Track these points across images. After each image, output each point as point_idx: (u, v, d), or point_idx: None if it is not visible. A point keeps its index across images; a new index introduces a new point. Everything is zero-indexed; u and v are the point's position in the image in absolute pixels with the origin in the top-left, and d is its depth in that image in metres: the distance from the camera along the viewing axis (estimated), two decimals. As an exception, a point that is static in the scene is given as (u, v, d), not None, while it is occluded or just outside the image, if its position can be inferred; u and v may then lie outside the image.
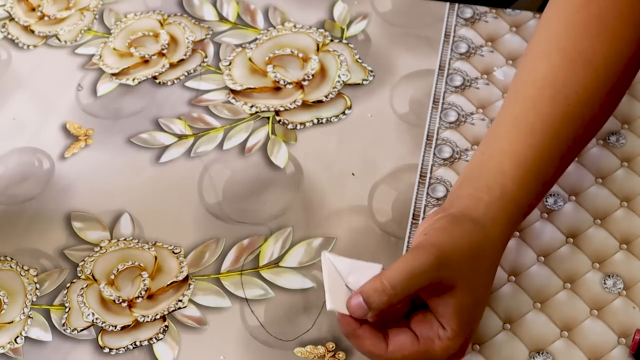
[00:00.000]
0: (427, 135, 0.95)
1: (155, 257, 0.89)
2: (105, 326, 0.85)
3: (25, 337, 0.85)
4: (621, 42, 0.84)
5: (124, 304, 0.86)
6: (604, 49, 0.83)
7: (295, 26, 1.05)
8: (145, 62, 1.02)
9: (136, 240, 0.90)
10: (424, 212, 0.90)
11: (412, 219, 0.90)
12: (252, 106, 0.98)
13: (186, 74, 1.01)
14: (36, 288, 0.87)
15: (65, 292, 0.87)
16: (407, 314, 0.78)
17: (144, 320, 0.85)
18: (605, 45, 0.83)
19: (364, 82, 1.00)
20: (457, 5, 1.05)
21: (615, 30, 0.84)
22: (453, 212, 0.78)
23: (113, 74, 1.01)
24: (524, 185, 0.80)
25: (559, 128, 0.82)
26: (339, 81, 1.00)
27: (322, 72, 1.01)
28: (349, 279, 0.77)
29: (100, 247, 0.90)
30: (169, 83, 1.00)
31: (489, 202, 0.79)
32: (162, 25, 1.05)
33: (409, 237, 0.89)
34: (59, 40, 1.04)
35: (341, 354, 0.83)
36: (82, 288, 0.87)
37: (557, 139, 0.82)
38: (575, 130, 0.83)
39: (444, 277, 0.74)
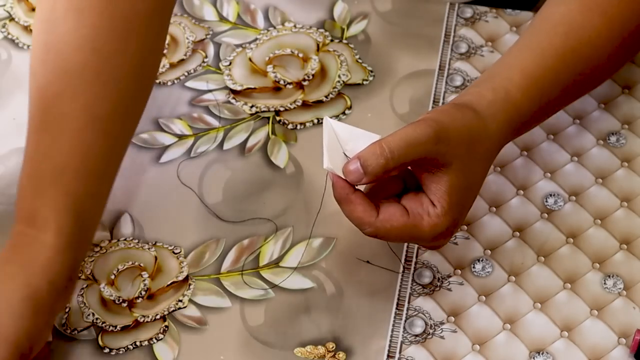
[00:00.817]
0: None
1: (156, 257, 0.89)
2: (105, 326, 0.85)
3: (25, 337, 0.85)
4: (636, 2, 0.86)
5: (124, 304, 0.86)
6: (621, 4, 0.86)
7: (295, 26, 1.05)
8: (145, 62, 1.02)
9: (136, 241, 0.90)
10: (424, 212, 0.90)
11: (412, 219, 0.90)
12: (252, 106, 0.98)
13: (186, 74, 1.01)
14: (36, 288, 0.87)
15: (65, 292, 0.87)
16: (399, 195, 0.79)
17: (144, 321, 0.85)
18: (623, 3, 0.86)
19: (364, 82, 1.00)
20: (457, 5, 1.05)
21: None
22: (457, 101, 0.81)
23: (113, 74, 1.01)
24: (527, 95, 0.82)
25: (568, 59, 0.84)
26: (339, 81, 1.00)
27: (322, 72, 1.01)
28: (347, 145, 0.77)
29: (100, 247, 0.90)
30: (169, 83, 1.00)
31: (492, 100, 0.81)
32: (162, 25, 1.05)
33: (409, 237, 0.89)
34: (59, 40, 1.04)
35: (341, 354, 0.83)
36: (82, 288, 0.87)
37: (565, 68, 0.84)
38: (583, 68, 0.85)
39: (441, 152, 0.76)
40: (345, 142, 0.78)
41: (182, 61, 1.02)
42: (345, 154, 0.78)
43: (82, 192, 0.79)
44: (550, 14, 0.87)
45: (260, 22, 1.05)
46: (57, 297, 0.77)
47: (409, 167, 0.79)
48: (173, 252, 0.89)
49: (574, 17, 0.86)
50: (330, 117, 0.97)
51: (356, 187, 0.77)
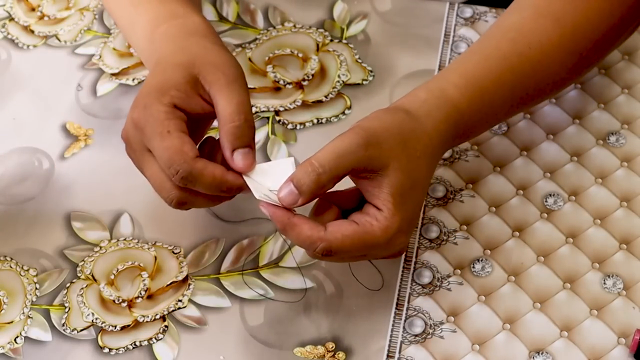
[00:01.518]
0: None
1: (155, 257, 0.89)
2: (105, 326, 0.85)
3: (25, 337, 0.85)
4: (594, 14, 0.87)
5: (124, 304, 0.86)
6: (575, 13, 0.86)
7: (295, 26, 1.05)
8: (145, 62, 1.02)
9: (136, 240, 0.90)
10: (424, 212, 0.90)
11: (412, 219, 0.90)
12: (251, 106, 0.98)
13: (186, 74, 1.01)
14: (36, 288, 0.87)
15: (65, 292, 0.87)
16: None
17: (143, 320, 0.85)
18: (577, 11, 0.86)
19: (364, 82, 1.00)
20: (456, 5, 1.05)
21: (589, 1, 0.86)
22: (390, 106, 0.81)
23: (113, 74, 1.01)
24: (465, 93, 0.82)
25: (515, 63, 0.84)
26: (338, 81, 1.00)
27: (322, 72, 1.01)
28: (267, 183, 0.76)
29: (100, 247, 0.90)
30: (169, 83, 1.00)
31: (425, 99, 0.81)
32: (162, 25, 1.05)
33: (409, 237, 0.89)
34: (59, 40, 1.04)
35: (341, 354, 0.83)
36: (82, 288, 0.87)
37: (509, 70, 0.84)
38: (532, 72, 0.85)
39: (374, 157, 0.75)
40: (264, 181, 0.77)
41: (181, 61, 1.02)
42: (270, 190, 0.77)
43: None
44: (503, 21, 0.88)
45: (260, 22, 1.05)
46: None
47: (351, 179, 0.77)
48: (173, 252, 0.89)
49: (526, 23, 0.86)
50: (330, 117, 0.97)
51: (295, 213, 0.76)
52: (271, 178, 0.77)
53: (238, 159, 0.76)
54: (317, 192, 0.75)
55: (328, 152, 0.75)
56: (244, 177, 0.77)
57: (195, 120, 0.80)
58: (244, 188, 0.77)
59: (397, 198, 0.76)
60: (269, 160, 0.94)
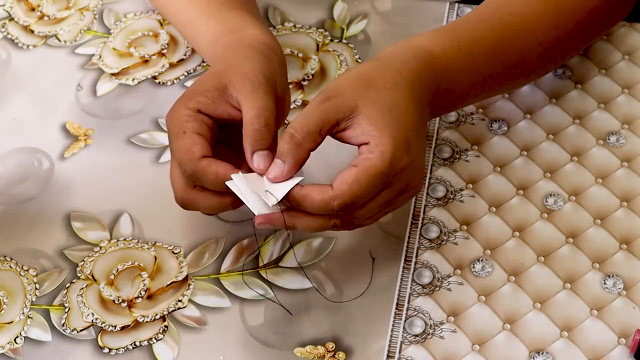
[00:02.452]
0: (427, 135, 0.95)
1: (155, 257, 0.89)
2: (104, 326, 0.85)
3: (24, 337, 0.85)
4: None
5: (124, 304, 0.86)
6: None
7: (295, 26, 1.05)
8: (145, 62, 1.02)
9: (136, 240, 0.90)
10: (424, 212, 0.90)
11: (412, 219, 0.90)
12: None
13: (186, 74, 1.01)
14: (36, 288, 0.87)
15: (64, 292, 0.87)
16: None
17: (143, 321, 0.85)
18: None
19: (364, 82, 1.00)
20: (456, 5, 1.05)
21: None
22: None
23: (113, 74, 1.01)
24: (437, 41, 0.83)
25: (494, 24, 0.86)
26: (338, 81, 1.00)
27: (322, 72, 1.01)
28: (263, 184, 0.78)
29: (100, 247, 0.90)
30: (169, 83, 1.00)
31: (390, 49, 0.82)
32: (161, 25, 1.05)
33: (409, 237, 0.89)
34: (59, 40, 1.04)
35: (341, 354, 0.83)
36: (82, 288, 0.87)
37: (489, 30, 0.85)
38: (514, 36, 0.86)
39: (338, 104, 0.77)
40: (259, 185, 0.78)
41: (181, 61, 1.02)
42: (268, 191, 0.77)
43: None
44: None
45: (260, 22, 1.05)
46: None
47: (338, 140, 0.79)
48: (172, 252, 0.89)
49: None
50: None
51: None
52: (262, 182, 0.78)
53: (257, 161, 0.77)
54: (297, 153, 0.76)
55: (298, 117, 0.78)
56: (238, 187, 0.77)
57: (231, 126, 0.81)
58: None
59: (378, 123, 0.76)
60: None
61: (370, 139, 0.76)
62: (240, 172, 0.77)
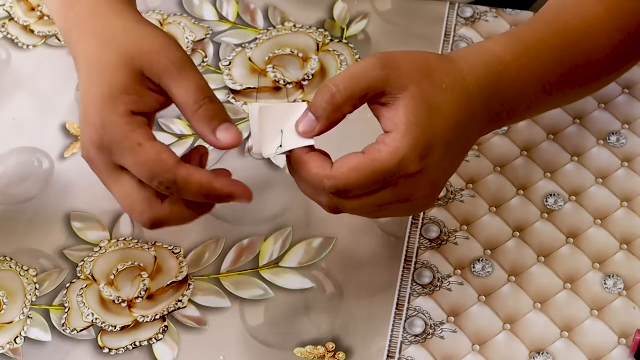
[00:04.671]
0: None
1: (155, 258, 0.89)
2: (105, 326, 0.85)
3: (24, 337, 0.85)
4: None
5: (124, 304, 0.86)
6: None
7: (295, 26, 1.05)
8: (145, 62, 1.02)
9: (136, 241, 0.90)
10: (424, 212, 0.90)
11: (412, 219, 0.90)
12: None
13: (186, 73, 1.01)
14: (36, 288, 0.87)
15: (64, 292, 0.87)
16: None
17: (143, 321, 0.85)
18: None
19: (364, 82, 1.00)
20: (457, 4, 1.05)
21: None
22: None
23: (113, 74, 1.01)
24: (508, 47, 0.78)
25: (559, 29, 0.81)
26: (339, 81, 1.00)
27: (322, 72, 1.01)
28: (281, 126, 0.72)
29: (100, 247, 0.90)
30: (169, 83, 1.00)
31: (464, 50, 0.78)
32: (162, 25, 1.05)
33: (409, 237, 0.89)
34: (59, 40, 1.04)
35: (341, 354, 0.83)
36: (82, 288, 0.87)
37: (554, 35, 0.81)
38: (580, 40, 0.81)
39: (391, 78, 0.71)
40: (276, 126, 0.72)
41: (182, 61, 1.02)
42: (282, 133, 0.72)
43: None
44: (546, 6, 0.86)
45: (260, 22, 1.05)
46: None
47: (370, 108, 0.73)
48: (173, 252, 0.89)
49: (568, 1, 0.84)
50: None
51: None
52: (284, 122, 0.72)
53: (224, 137, 0.71)
54: (334, 115, 0.71)
55: (344, 73, 0.71)
56: (252, 127, 0.72)
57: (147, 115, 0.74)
58: (233, 197, 0.72)
59: (410, 118, 0.70)
60: (268, 159, 0.94)
61: (393, 130, 0.70)
62: (261, 103, 0.72)
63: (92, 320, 0.85)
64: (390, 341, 0.83)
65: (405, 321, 0.84)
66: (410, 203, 0.73)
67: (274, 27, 1.04)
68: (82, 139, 0.72)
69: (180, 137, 0.96)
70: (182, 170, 0.70)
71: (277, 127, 0.72)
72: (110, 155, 0.71)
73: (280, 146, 0.72)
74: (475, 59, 0.76)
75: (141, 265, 0.88)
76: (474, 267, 0.87)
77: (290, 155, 0.72)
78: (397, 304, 0.85)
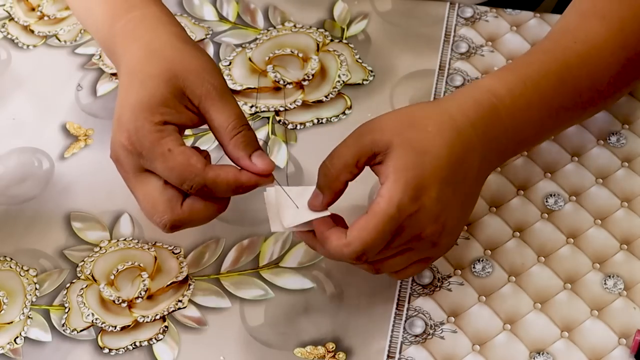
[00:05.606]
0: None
1: (155, 258, 0.89)
2: (105, 326, 0.85)
3: (24, 337, 0.85)
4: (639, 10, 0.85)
5: (124, 305, 0.86)
6: (622, 10, 0.85)
7: (295, 26, 1.05)
8: (145, 62, 1.02)
9: (136, 241, 0.90)
10: (424, 212, 0.90)
11: (412, 219, 0.90)
12: (252, 106, 0.98)
13: (186, 73, 1.01)
14: (36, 288, 0.87)
15: (64, 292, 0.87)
16: None
17: (143, 321, 0.85)
18: (624, 8, 0.85)
19: (364, 82, 1.00)
20: (457, 4, 1.04)
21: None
22: None
23: (113, 74, 1.01)
24: (502, 79, 0.81)
25: (559, 55, 0.83)
26: (339, 81, 1.00)
27: (322, 72, 1.01)
28: (295, 204, 0.79)
29: (100, 248, 0.90)
30: (169, 83, 1.00)
31: (455, 91, 0.81)
32: (162, 25, 1.05)
33: (409, 238, 0.89)
34: (59, 40, 1.04)
35: (341, 354, 0.83)
36: (82, 288, 0.87)
37: (554, 61, 0.83)
38: (582, 64, 0.83)
39: (376, 139, 0.75)
40: (290, 204, 0.79)
41: (182, 61, 1.02)
42: (298, 207, 0.79)
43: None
44: (549, 31, 0.88)
45: (260, 22, 1.05)
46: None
47: (373, 171, 0.78)
48: (173, 252, 0.89)
49: (570, 23, 0.86)
50: (330, 117, 0.97)
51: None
52: (297, 201, 0.79)
53: (259, 162, 0.76)
54: (333, 184, 0.76)
55: (336, 148, 0.77)
56: (269, 208, 0.79)
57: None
58: (259, 183, 0.77)
59: (397, 165, 0.75)
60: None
61: (386, 181, 0.75)
62: (275, 185, 0.78)
63: (92, 320, 0.85)
64: (390, 341, 0.83)
65: (405, 321, 0.84)
66: (424, 240, 0.77)
67: (274, 27, 1.04)
68: (112, 140, 0.76)
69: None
70: (210, 173, 0.74)
71: (291, 205, 0.79)
72: (139, 159, 0.75)
73: (292, 222, 0.79)
74: (463, 97, 0.79)
75: (141, 265, 0.88)
76: (474, 267, 0.87)
77: (309, 241, 0.79)
78: (397, 304, 0.85)
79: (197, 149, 0.78)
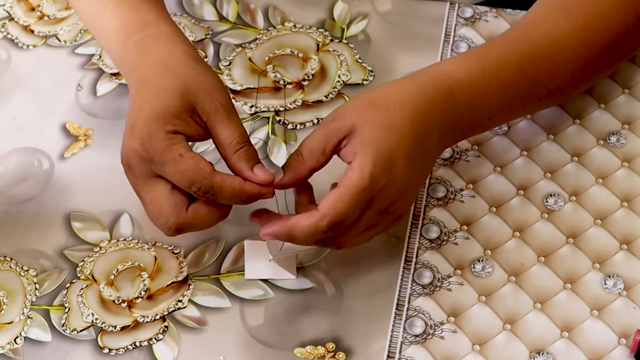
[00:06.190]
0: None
1: (155, 258, 0.89)
2: (104, 326, 0.85)
3: (24, 337, 0.85)
4: (608, 10, 0.88)
5: (124, 304, 0.86)
6: (588, 7, 0.88)
7: (295, 26, 1.05)
8: (145, 62, 1.02)
9: (136, 241, 0.90)
10: (424, 212, 0.90)
11: (412, 219, 0.90)
12: (252, 106, 0.98)
13: (186, 73, 1.01)
14: (36, 288, 0.87)
15: (64, 292, 0.87)
16: None
17: (143, 321, 0.85)
18: (590, 7, 0.88)
19: (364, 82, 1.00)
20: (457, 4, 1.04)
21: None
22: None
23: (113, 74, 1.01)
24: (461, 64, 0.84)
25: (521, 46, 0.86)
26: (339, 81, 1.00)
27: (322, 72, 1.01)
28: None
29: (100, 247, 0.90)
30: (169, 83, 1.00)
31: (413, 72, 0.84)
32: (162, 25, 1.05)
33: (409, 237, 0.89)
34: (59, 40, 1.04)
35: (341, 355, 0.83)
36: (82, 288, 0.87)
37: (515, 53, 0.85)
38: (543, 57, 0.86)
39: (340, 125, 0.79)
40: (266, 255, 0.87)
41: (181, 61, 1.02)
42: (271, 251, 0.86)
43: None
44: (518, 19, 0.90)
45: (260, 22, 1.05)
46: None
47: (340, 158, 0.80)
48: (173, 252, 0.89)
49: (537, 16, 0.88)
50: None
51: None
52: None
53: (260, 173, 0.79)
54: (298, 171, 0.80)
55: (307, 136, 0.80)
56: (246, 257, 0.87)
57: None
58: (262, 193, 0.80)
59: (364, 141, 0.78)
60: (268, 159, 0.94)
61: (355, 157, 0.78)
62: (249, 240, 0.87)
63: (92, 320, 0.85)
64: (390, 341, 0.83)
65: (405, 321, 0.84)
66: (390, 214, 0.81)
67: (274, 27, 1.04)
68: (124, 146, 0.80)
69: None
70: (217, 177, 0.78)
71: (265, 258, 0.87)
72: (150, 164, 0.79)
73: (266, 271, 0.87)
74: (423, 77, 0.82)
75: (141, 265, 0.88)
76: (474, 267, 0.87)
77: (278, 231, 0.79)
78: (397, 304, 0.85)
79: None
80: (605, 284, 0.86)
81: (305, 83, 1.00)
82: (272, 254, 0.85)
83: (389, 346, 0.83)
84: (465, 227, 0.89)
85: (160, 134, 0.78)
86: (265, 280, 0.87)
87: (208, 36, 1.04)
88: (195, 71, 0.82)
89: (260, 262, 0.87)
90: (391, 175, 0.78)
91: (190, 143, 0.80)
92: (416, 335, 0.83)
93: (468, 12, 1.04)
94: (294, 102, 0.98)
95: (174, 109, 0.79)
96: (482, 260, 0.87)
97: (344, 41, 1.03)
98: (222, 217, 0.81)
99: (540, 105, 0.92)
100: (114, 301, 0.86)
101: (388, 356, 0.82)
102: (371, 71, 1.00)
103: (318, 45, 1.03)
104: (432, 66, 0.84)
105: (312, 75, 1.00)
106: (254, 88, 0.99)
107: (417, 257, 0.88)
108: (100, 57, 1.03)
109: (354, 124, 0.79)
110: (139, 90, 0.82)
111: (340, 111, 0.81)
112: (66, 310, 0.86)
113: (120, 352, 0.84)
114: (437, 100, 0.81)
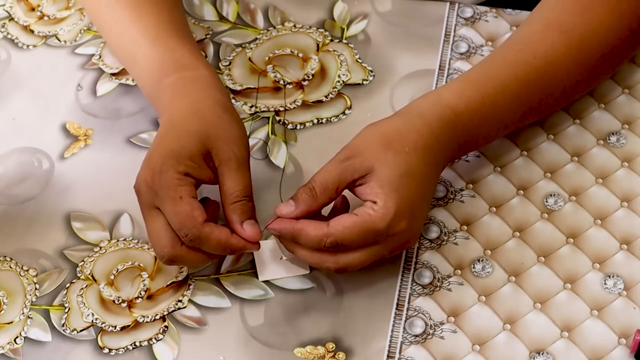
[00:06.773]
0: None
1: (155, 258, 0.89)
2: (104, 326, 0.85)
3: (24, 337, 0.85)
4: (602, 26, 0.90)
5: (124, 304, 0.86)
6: (583, 26, 0.90)
7: (295, 26, 1.05)
8: (145, 62, 1.02)
9: (136, 241, 0.90)
10: (424, 212, 0.90)
11: (412, 219, 0.90)
12: (252, 106, 0.98)
13: (186, 73, 1.01)
14: (36, 288, 0.87)
15: (64, 292, 0.87)
16: None
17: (143, 321, 0.85)
18: (585, 24, 0.90)
19: (364, 82, 1.00)
20: (457, 5, 1.04)
21: (598, 14, 0.90)
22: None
23: (113, 74, 1.01)
24: (462, 96, 0.86)
25: (519, 71, 0.88)
26: (339, 81, 1.00)
27: (322, 72, 1.01)
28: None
29: (100, 247, 0.90)
30: (169, 83, 1.00)
31: (419, 104, 0.86)
32: (162, 25, 1.05)
33: (409, 237, 0.89)
34: (59, 40, 1.04)
35: (341, 354, 0.83)
36: (82, 288, 0.87)
37: (513, 79, 0.87)
38: (539, 80, 0.88)
39: (356, 164, 0.81)
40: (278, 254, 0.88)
41: (181, 61, 1.02)
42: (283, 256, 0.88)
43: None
44: (514, 34, 0.92)
45: (260, 21, 1.05)
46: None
47: (353, 194, 0.82)
48: (173, 252, 0.89)
49: (534, 34, 0.90)
50: (330, 117, 0.97)
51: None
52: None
53: (249, 229, 0.82)
54: (310, 205, 0.81)
55: (319, 171, 0.82)
56: (256, 258, 0.88)
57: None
58: (246, 248, 0.83)
59: (386, 188, 0.80)
60: (268, 159, 0.94)
61: (377, 200, 0.80)
62: (263, 241, 0.86)
63: (92, 320, 0.85)
64: (390, 341, 0.83)
65: (405, 321, 0.84)
66: (400, 249, 0.84)
67: (274, 27, 1.04)
68: (139, 175, 0.84)
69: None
70: (206, 228, 0.81)
71: (274, 255, 0.88)
72: (154, 197, 0.82)
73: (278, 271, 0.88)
74: (430, 114, 0.84)
75: (141, 265, 0.88)
76: (474, 267, 0.87)
77: (285, 229, 0.82)
78: (397, 304, 0.85)
79: (209, 200, 0.86)
80: (605, 284, 0.86)
81: (305, 83, 1.00)
82: (286, 255, 0.86)
83: (389, 346, 0.83)
84: (465, 227, 0.89)
85: (171, 171, 0.81)
86: (266, 280, 0.87)
87: (208, 36, 1.04)
88: (221, 119, 0.85)
89: (272, 263, 0.87)
90: (408, 222, 0.81)
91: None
92: (416, 335, 0.83)
93: (468, 12, 1.04)
94: (294, 102, 0.98)
95: (190, 150, 0.82)
96: (482, 260, 0.87)
97: (344, 41, 1.03)
98: (213, 259, 0.85)
99: (535, 119, 0.93)
100: (114, 301, 0.86)
101: (388, 356, 0.82)
102: (371, 71, 1.00)
103: (318, 45, 1.03)
104: (436, 99, 0.86)
105: (312, 75, 1.00)
106: (254, 88, 0.99)
107: (417, 257, 0.88)
108: (100, 57, 1.03)
109: (372, 166, 0.81)
110: (165, 128, 0.85)
111: (354, 150, 0.82)
112: (66, 310, 0.86)
113: (120, 352, 0.84)
114: (443, 136, 0.84)
